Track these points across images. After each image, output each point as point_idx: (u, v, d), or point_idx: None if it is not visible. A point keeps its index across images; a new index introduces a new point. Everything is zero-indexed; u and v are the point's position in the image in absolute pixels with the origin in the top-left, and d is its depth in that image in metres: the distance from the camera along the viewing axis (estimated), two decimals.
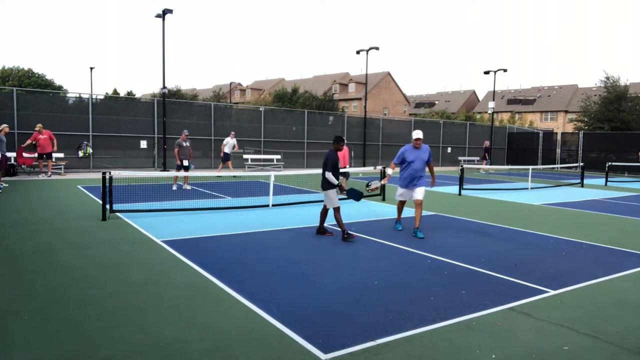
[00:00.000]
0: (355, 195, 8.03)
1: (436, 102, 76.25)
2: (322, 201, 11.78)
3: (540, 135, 33.30)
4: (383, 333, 3.93)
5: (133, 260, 6.02)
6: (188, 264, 5.90)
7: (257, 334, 3.86)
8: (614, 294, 5.20)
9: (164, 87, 20.48)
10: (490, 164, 27.97)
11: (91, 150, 19.13)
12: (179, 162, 13.47)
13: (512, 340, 3.90)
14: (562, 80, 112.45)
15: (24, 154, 16.93)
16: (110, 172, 9.00)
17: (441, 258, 6.51)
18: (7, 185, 13.63)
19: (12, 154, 16.64)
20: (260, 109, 25.40)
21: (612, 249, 7.47)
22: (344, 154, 12.85)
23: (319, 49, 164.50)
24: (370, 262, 6.23)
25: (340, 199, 7.83)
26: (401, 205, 8.60)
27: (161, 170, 19.50)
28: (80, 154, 18.58)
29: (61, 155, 18.32)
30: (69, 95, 39.95)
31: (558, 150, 31.77)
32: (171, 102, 23.05)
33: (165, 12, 19.38)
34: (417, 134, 8.09)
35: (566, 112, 62.58)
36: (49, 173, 16.73)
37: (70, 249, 6.53)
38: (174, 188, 13.74)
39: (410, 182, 8.09)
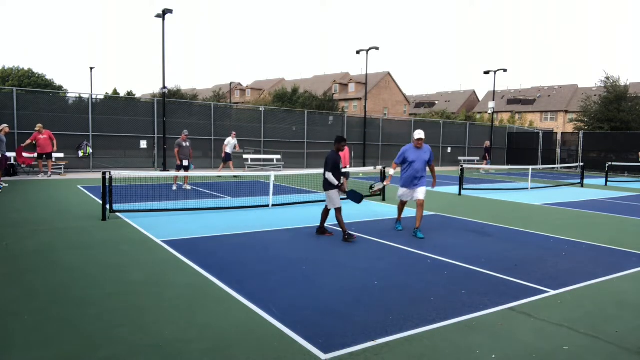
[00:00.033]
0: (355, 197, 7.97)
1: (436, 102, 76.25)
2: (322, 201, 11.81)
3: (540, 135, 33.30)
4: (383, 333, 3.93)
5: (133, 260, 6.02)
6: (188, 264, 5.90)
7: (257, 334, 3.86)
8: (614, 294, 5.20)
9: (164, 87, 20.48)
10: (491, 164, 27.97)
11: (91, 150, 19.13)
12: (179, 162, 13.47)
13: (512, 340, 3.90)
14: (562, 80, 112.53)
15: (24, 154, 16.93)
16: (110, 172, 9.00)
17: (441, 258, 6.51)
18: (7, 185, 13.64)
19: (12, 154, 16.64)
20: (260, 109, 25.40)
21: (612, 249, 7.47)
22: (344, 154, 12.84)
23: (319, 49, 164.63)
24: (370, 262, 6.23)
25: (341, 199, 7.81)
26: (402, 205, 8.59)
27: (161, 170, 19.50)
28: (80, 154, 18.58)
29: (61, 155, 18.32)
30: (69, 95, 39.98)
31: (558, 150, 31.77)
32: (171, 102, 23.05)
33: (165, 12, 19.38)
34: (419, 134, 8.07)
35: (566, 112, 62.59)
36: (49, 173, 16.73)
37: (70, 249, 6.53)
38: (174, 188, 13.74)
39: (411, 182, 8.09)
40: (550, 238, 8.16)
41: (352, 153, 25.70)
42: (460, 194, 14.56)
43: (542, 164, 31.16)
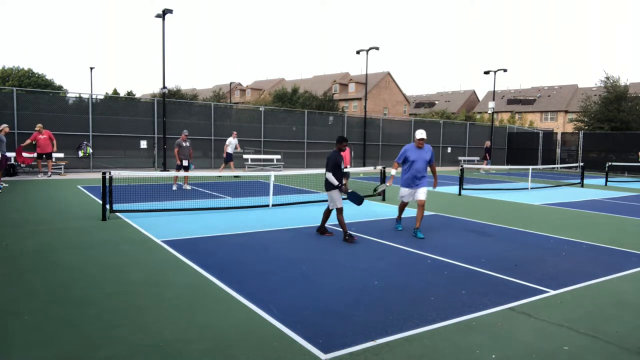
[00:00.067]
0: (356, 199, 7.91)
1: (436, 102, 76.26)
2: (322, 201, 11.81)
3: (540, 135, 33.30)
4: (383, 333, 3.93)
5: (133, 260, 6.02)
6: (188, 264, 5.90)
7: (257, 334, 3.86)
8: (614, 294, 5.20)
9: (164, 87, 20.48)
10: (491, 164, 27.97)
11: (91, 150, 19.13)
12: (178, 162, 13.47)
13: (512, 340, 3.90)
14: (562, 80, 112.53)
15: (24, 154, 16.92)
16: (110, 172, 9.00)
17: (441, 258, 6.51)
18: (7, 185, 13.64)
19: (12, 154, 16.64)
20: (260, 109, 25.40)
21: (612, 249, 7.47)
22: (345, 154, 12.84)
23: (319, 49, 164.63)
24: (370, 262, 6.23)
25: (342, 199, 7.80)
26: (403, 206, 8.55)
27: (161, 170, 19.50)
28: (80, 154, 18.58)
29: (61, 155, 18.32)
30: (69, 95, 39.97)
31: (558, 150, 31.77)
32: (171, 102, 23.05)
33: (165, 12, 19.38)
34: (421, 133, 8.05)
35: (566, 112, 62.59)
36: (49, 173, 16.73)
37: (70, 249, 6.53)
38: (174, 188, 13.74)
39: (412, 182, 8.07)
40: (550, 238, 8.16)
41: (352, 153, 25.72)
42: (460, 194, 14.56)
43: (542, 164, 31.16)
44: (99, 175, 9.77)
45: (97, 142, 19.79)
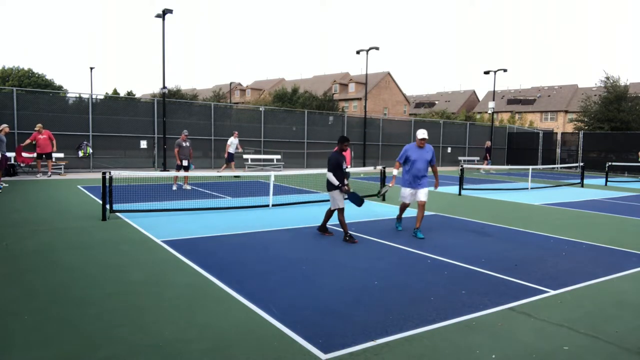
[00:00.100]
0: (357, 200, 7.87)
1: (436, 102, 76.26)
2: (321, 202, 11.81)
3: (540, 135, 33.31)
4: (383, 333, 3.93)
5: (133, 260, 6.02)
6: (188, 264, 5.90)
7: (257, 334, 3.86)
8: (614, 294, 5.21)
9: (164, 87, 20.48)
10: (491, 164, 27.98)
11: (91, 150, 19.13)
12: (179, 162, 13.48)
13: (512, 340, 3.90)
14: (562, 80, 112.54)
15: (24, 154, 16.93)
16: (110, 172, 9.00)
17: (441, 258, 6.51)
18: (7, 185, 13.64)
19: (12, 154, 16.64)
20: (260, 109, 25.40)
21: (612, 249, 7.47)
22: (346, 154, 12.83)
23: (319, 49, 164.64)
24: (370, 262, 6.23)
25: (344, 199, 7.79)
26: (404, 206, 8.48)
27: (161, 170, 19.50)
28: (80, 154, 18.59)
29: (61, 155, 18.33)
30: (69, 95, 39.98)
31: (558, 150, 31.77)
32: (171, 102, 23.05)
33: (165, 12, 19.38)
34: (423, 133, 8.02)
35: (566, 112, 62.59)
36: (49, 173, 16.73)
37: (70, 249, 6.53)
38: (174, 188, 13.74)
39: (413, 182, 8.03)
40: (550, 238, 8.16)
41: (352, 153, 25.72)
42: (460, 194, 14.56)
43: (542, 164, 31.16)
44: (99, 175, 9.78)
45: (97, 142, 19.79)
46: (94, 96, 21.36)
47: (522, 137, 34.87)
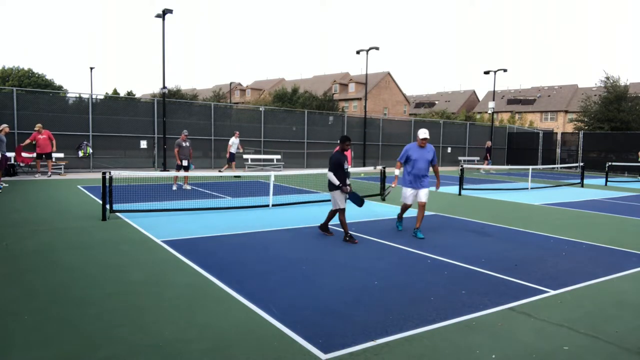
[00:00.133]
0: (357, 200, 7.86)
1: (436, 102, 76.26)
2: (321, 202, 11.81)
3: (540, 135, 33.31)
4: (383, 333, 3.93)
5: (133, 260, 6.02)
6: (188, 264, 5.90)
7: (257, 334, 3.86)
8: (614, 294, 5.21)
9: (164, 87, 20.48)
10: (491, 164, 27.98)
11: (91, 150, 19.13)
12: (179, 162, 13.48)
13: (512, 340, 3.90)
14: (562, 80, 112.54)
15: (24, 154, 16.93)
16: (110, 172, 9.00)
17: (441, 258, 6.51)
18: (7, 185, 13.64)
19: (12, 154, 16.65)
20: (260, 109, 25.40)
21: (612, 249, 7.47)
22: (347, 153, 12.81)
23: (319, 49, 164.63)
24: (370, 262, 6.23)
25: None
26: (406, 207, 8.41)
27: (161, 170, 19.50)
28: (80, 154, 18.59)
29: (61, 155, 18.33)
30: (69, 95, 39.98)
31: (558, 150, 31.77)
32: (171, 102, 23.05)
33: (165, 12, 19.38)
34: (424, 133, 7.98)
35: (566, 112, 62.59)
36: (49, 173, 16.73)
37: (70, 249, 6.53)
38: (174, 188, 13.74)
39: (414, 182, 7.99)
40: (550, 238, 8.16)
41: (352, 153, 25.73)
42: (460, 194, 14.56)
43: (542, 164, 31.16)
44: (99, 175, 9.77)
45: (97, 142, 19.78)
46: (94, 96, 21.36)
47: (522, 137, 34.88)
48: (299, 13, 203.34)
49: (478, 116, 61.62)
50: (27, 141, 16.46)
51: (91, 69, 43.79)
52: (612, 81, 34.62)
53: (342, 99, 62.40)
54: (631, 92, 36.49)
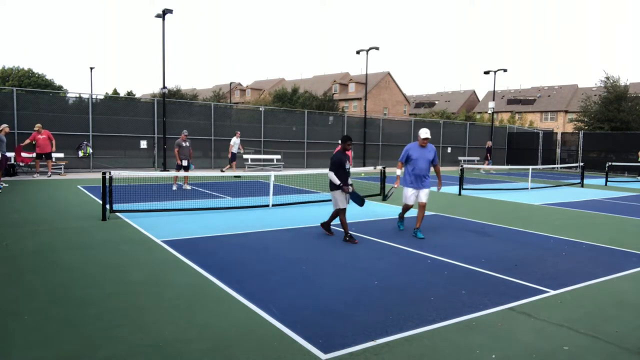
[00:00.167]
0: (358, 200, 7.84)
1: (436, 102, 76.26)
2: (321, 202, 11.81)
3: (540, 135, 33.31)
4: (383, 333, 3.93)
5: (133, 260, 6.02)
6: (188, 264, 5.90)
7: (257, 334, 3.86)
8: (614, 294, 5.21)
9: (164, 87, 20.48)
10: (492, 164, 27.98)
11: (91, 150, 19.13)
12: (179, 162, 13.48)
13: (512, 340, 3.90)
14: (562, 80, 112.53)
15: (24, 154, 16.93)
16: (110, 172, 9.00)
17: (441, 258, 6.51)
18: (7, 185, 13.63)
19: (12, 154, 16.64)
20: (260, 109, 25.40)
21: (612, 249, 7.47)
22: (348, 153, 12.80)
23: (319, 49, 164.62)
24: (370, 262, 6.23)
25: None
26: (407, 207, 8.39)
27: (161, 170, 19.50)
28: (80, 154, 18.59)
29: (61, 155, 18.33)
30: (69, 95, 39.98)
31: (558, 150, 31.77)
32: (171, 102, 23.05)
33: (165, 12, 19.38)
34: (425, 133, 7.97)
35: (566, 112, 62.59)
36: (49, 173, 16.73)
37: (70, 249, 6.53)
38: (174, 188, 13.74)
39: (415, 181, 7.97)
40: (550, 238, 8.15)
41: (352, 153, 25.72)
42: (460, 194, 14.56)
43: (542, 164, 31.16)
44: (99, 175, 9.78)
45: (97, 142, 19.79)
46: (94, 96, 21.35)
47: (522, 137, 34.88)
48: (299, 13, 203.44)
49: (478, 116, 61.62)
50: (27, 141, 16.45)
51: (91, 69, 43.83)
52: (612, 81, 34.62)
53: (342, 99, 62.40)
54: (631, 92, 36.49)
